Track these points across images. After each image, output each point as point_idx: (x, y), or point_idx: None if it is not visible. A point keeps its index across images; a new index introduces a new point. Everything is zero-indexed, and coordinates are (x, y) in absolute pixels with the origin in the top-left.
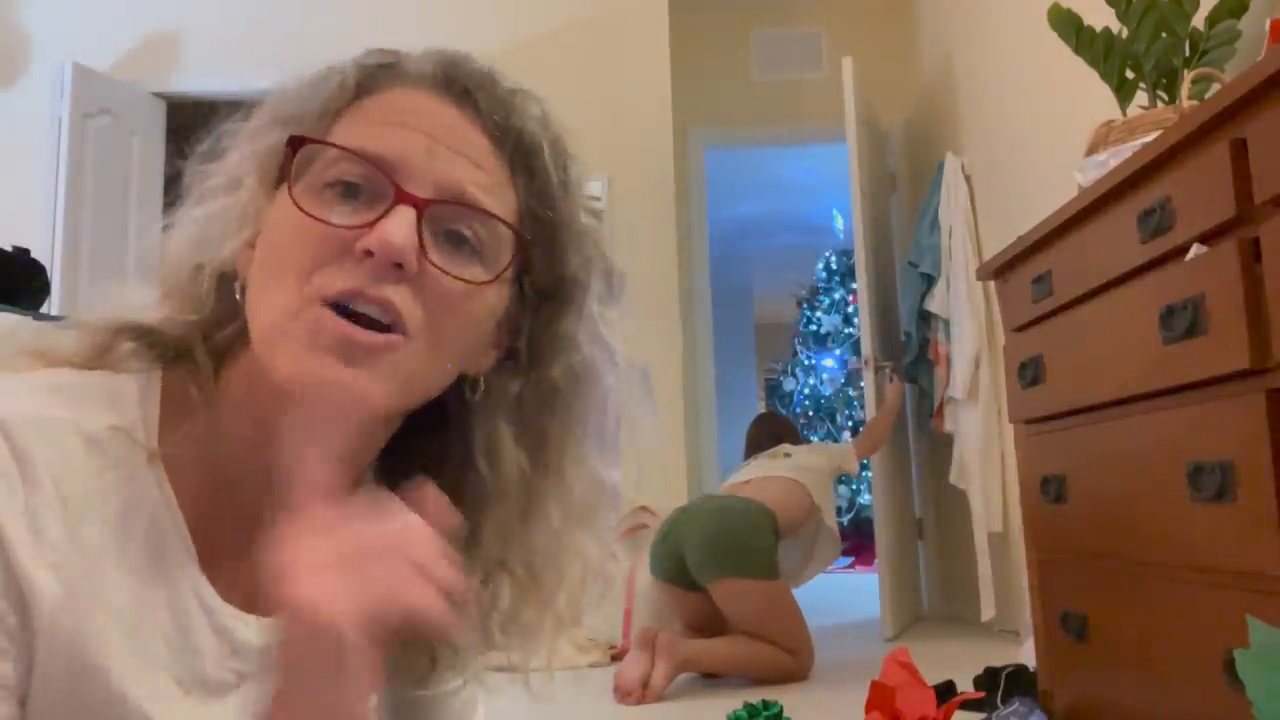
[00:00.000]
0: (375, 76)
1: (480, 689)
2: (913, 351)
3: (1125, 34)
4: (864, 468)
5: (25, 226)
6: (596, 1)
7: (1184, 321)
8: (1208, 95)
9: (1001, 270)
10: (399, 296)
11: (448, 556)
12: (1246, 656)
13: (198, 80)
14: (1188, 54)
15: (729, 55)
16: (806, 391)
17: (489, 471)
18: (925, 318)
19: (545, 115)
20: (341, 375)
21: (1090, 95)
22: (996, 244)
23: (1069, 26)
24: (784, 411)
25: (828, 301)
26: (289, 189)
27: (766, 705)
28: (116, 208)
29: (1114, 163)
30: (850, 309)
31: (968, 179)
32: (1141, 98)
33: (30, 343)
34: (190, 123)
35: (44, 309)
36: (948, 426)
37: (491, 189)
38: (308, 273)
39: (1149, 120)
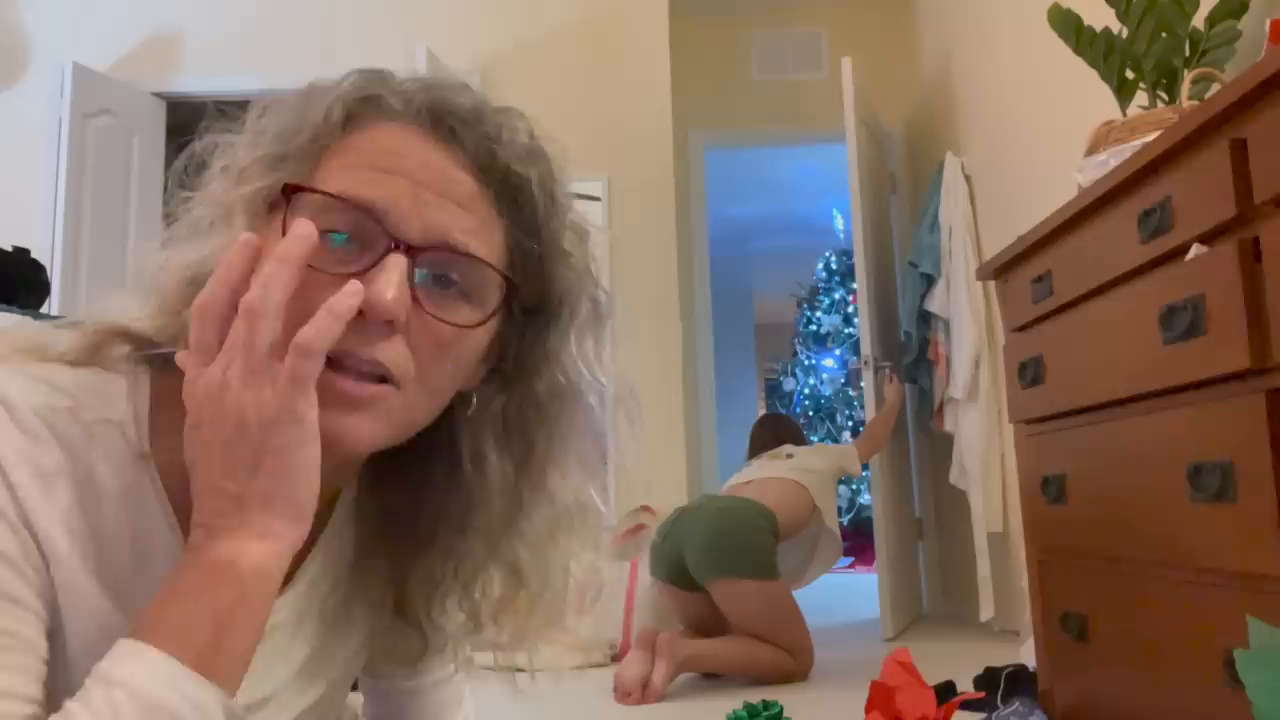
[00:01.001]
0: (361, 110)
1: (468, 684)
2: (913, 351)
3: (1125, 34)
4: (864, 468)
5: (25, 226)
6: (596, 2)
7: (1184, 321)
8: (1208, 95)
9: (1001, 270)
10: (388, 354)
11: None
12: (1246, 656)
13: (198, 80)
14: (1188, 54)
15: (729, 56)
16: (806, 392)
17: (475, 476)
18: (925, 318)
19: (531, 141)
20: (337, 423)
21: (1090, 95)
22: (996, 244)
23: (1069, 26)
24: (784, 412)
25: (828, 301)
26: (283, 234)
27: (766, 705)
28: (116, 208)
29: (1114, 163)
30: (850, 309)
31: (968, 179)
32: (1141, 98)
33: (22, 341)
34: (190, 123)
35: (44, 309)
36: (948, 426)
37: (478, 231)
38: (299, 325)
39: (1149, 120)
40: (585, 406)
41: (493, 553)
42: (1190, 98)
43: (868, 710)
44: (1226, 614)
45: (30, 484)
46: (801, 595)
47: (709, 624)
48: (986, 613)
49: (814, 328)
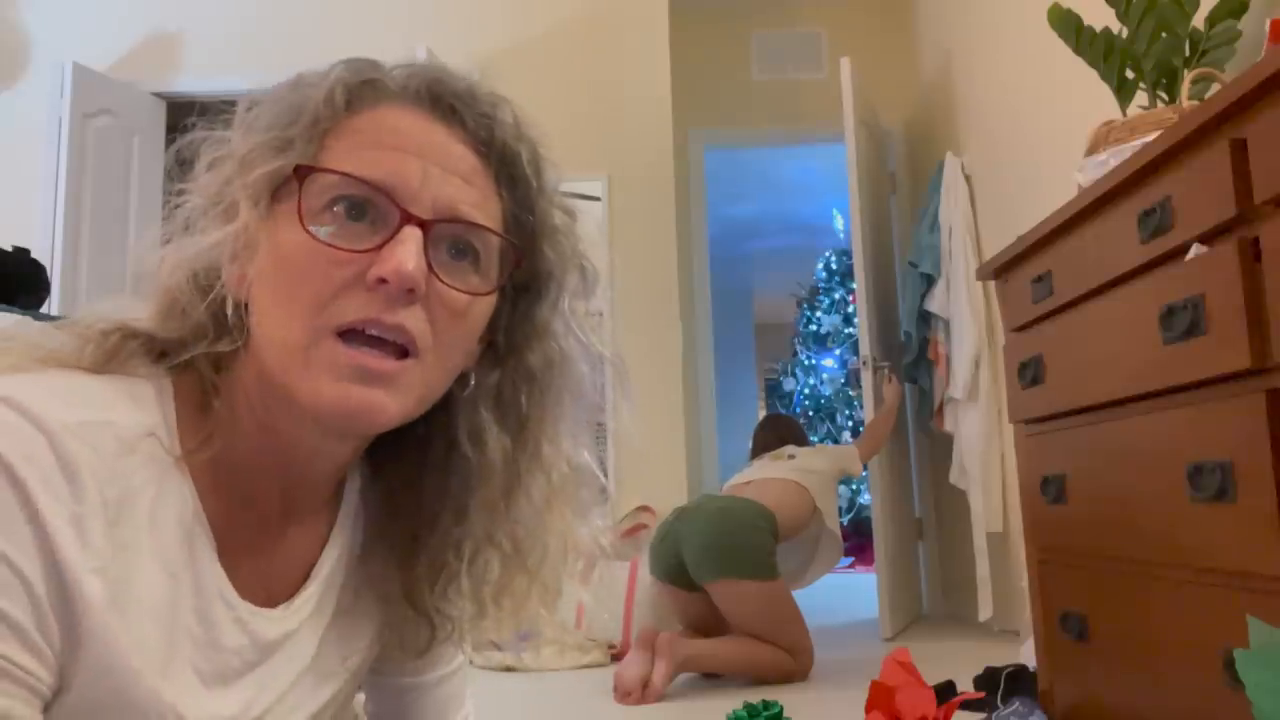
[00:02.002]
0: (362, 93)
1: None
2: (913, 351)
3: (1125, 34)
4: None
5: (25, 226)
6: (596, 2)
7: (1184, 321)
8: (1208, 95)
9: (1001, 270)
10: (411, 320)
11: None
12: (1246, 656)
13: (198, 80)
14: (1188, 54)
15: (729, 56)
16: (806, 392)
17: (474, 453)
18: (925, 318)
19: (519, 122)
20: (363, 398)
21: (1090, 95)
22: (996, 244)
23: (1069, 26)
24: (785, 412)
25: (828, 301)
26: (300, 216)
27: (766, 705)
28: (116, 208)
29: (1114, 163)
30: (850, 309)
31: (968, 179)
32: (1141, 98)
33: (35, 347)
34: (190, 123)
35: (44, 309)
36: (948, 426)
37: (482, 204)
38: (321, 302)
39: (1149, 120)
40: (577, 374)
41: (493, 528)
42: (1190, 98)
43: (868, 710)
44: (1226, 614)
45: (65, 530)
46: (801, 595)
47: (709, 624)
48: (986, 613)
49: (814, 328)
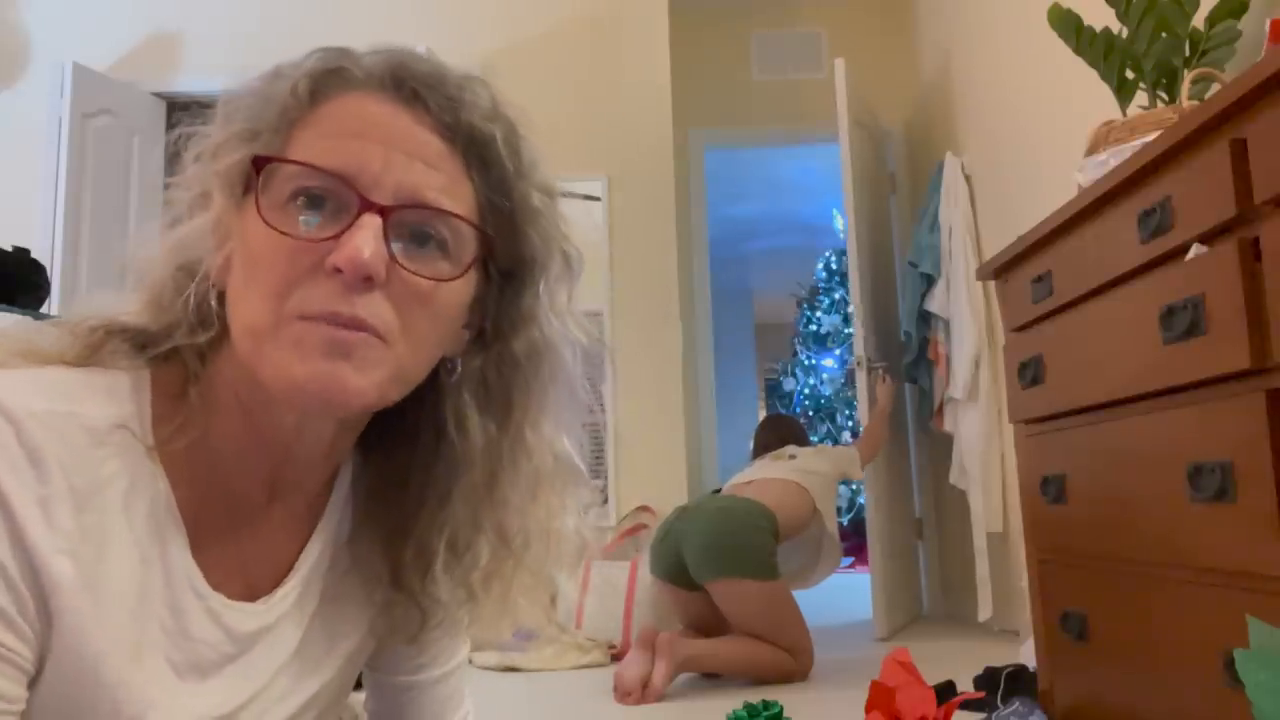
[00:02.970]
0: (326, 83)
1: (469, 684)
2: (913, 351)
3: (1125, 34)
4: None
5: (25, 226)
6: (596, 1)
7: (1184, 321)
8: (1208, 95)
9: (1001, 270)
10: (370, 310)
11: None
12: (1246, 656)
13: (198, 80)
14: (1188, 54)
15: (729, 56)
16: (806, 392)
17: (458, 439)
18: (925, 318)
19: (495, 102)
20: (330, 373)
21: (1090, 95)
22: (996, 244)
23: (1069, 26)
24: (784, 412)
25: (828, 301)
26: (257, 207)
27: (766, 705)
28: (116, 208)
29: (1114, 163)
30: (850, 309)
31: (968, 179)
32: (1141, 98)
33: (17, 344)
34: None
35: (44, 309)
36: (948, 426)
37: (448, 189)
38: (282, 291)
39: (1149, 120)
40: (561, 360)
41: (477, 514)
42: (1190, 98)
43: (868, 710)
44: (1226, 614)
45: (32, 512)
46: (801, 595)
47: (709, 623)
48: (986, 613)
49: (814, 328)
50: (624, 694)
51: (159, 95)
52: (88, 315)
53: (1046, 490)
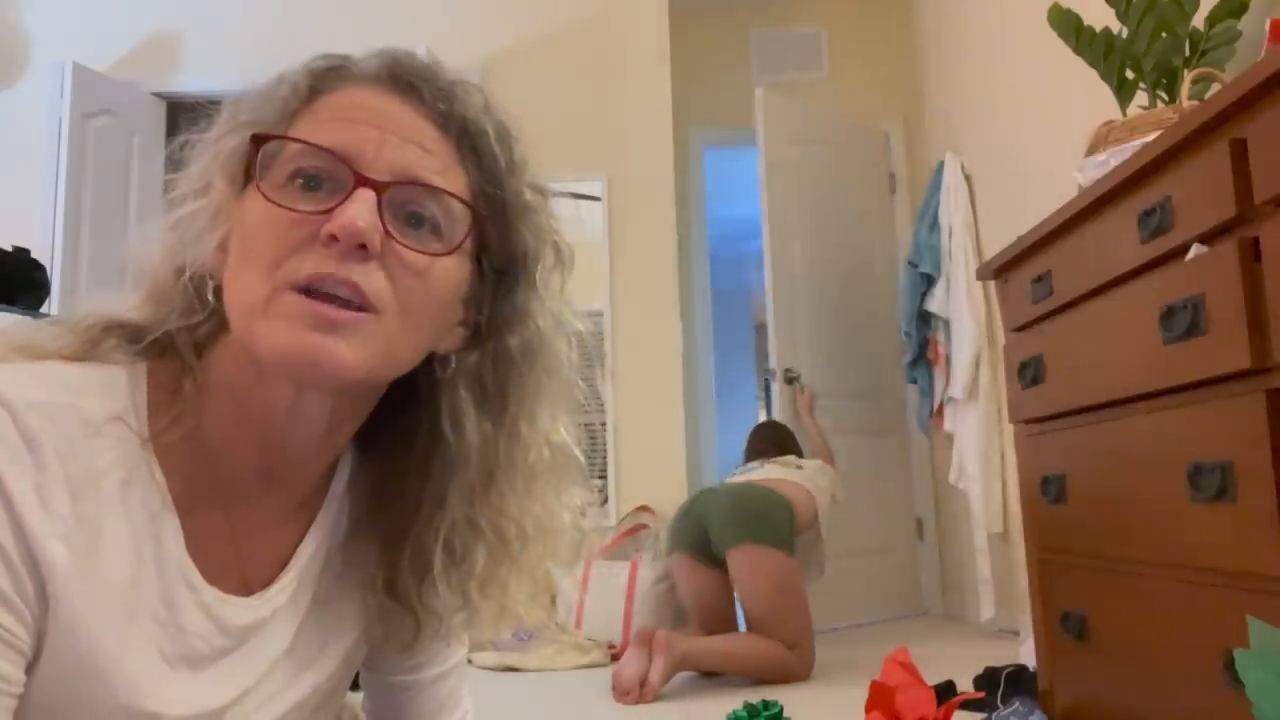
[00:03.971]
0: (326, 78)
1: (468, 684)
2: (912, 351)
3: (1125, 34)
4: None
5: (25, 226)
6: (596, 1)
7: (1184, 321)
8: (1208, 95)
9: (1001, 270)
10: (365, 277)
11: None
12: (1246, 656)
13: (198, 80)
14: (1188, 54)
15: (729, 56)
16: None
17: (454, 438)
18: (925, 318)
19: (487, 104)
20: (320, 342)
21: (1090, 95)
22: (996, 244)
23: (1069, 26)
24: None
25: None
26: (255, 182)
27: (766, 705)
28: (116, 208)
29: (1114, 163)
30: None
31: (968, 179)
32: (1141, 98)
33: (17, 339)
34: (190, 123)
35: (44, 309)
36: (948, 426)
37: (442, 171)
38: (277, 260)
39: (1149, 120)
40: (555, 354)
41: (473, 512)
42: (1190, 98)
43: (868, 710)
44: (1226, 614)
45: (29, 497)
46: None
47: (717, 606)
48: (986, 613)
49: None
50: (623, 693)
51: (159, 95)
52: (85, 314)
53: (1046, 490)
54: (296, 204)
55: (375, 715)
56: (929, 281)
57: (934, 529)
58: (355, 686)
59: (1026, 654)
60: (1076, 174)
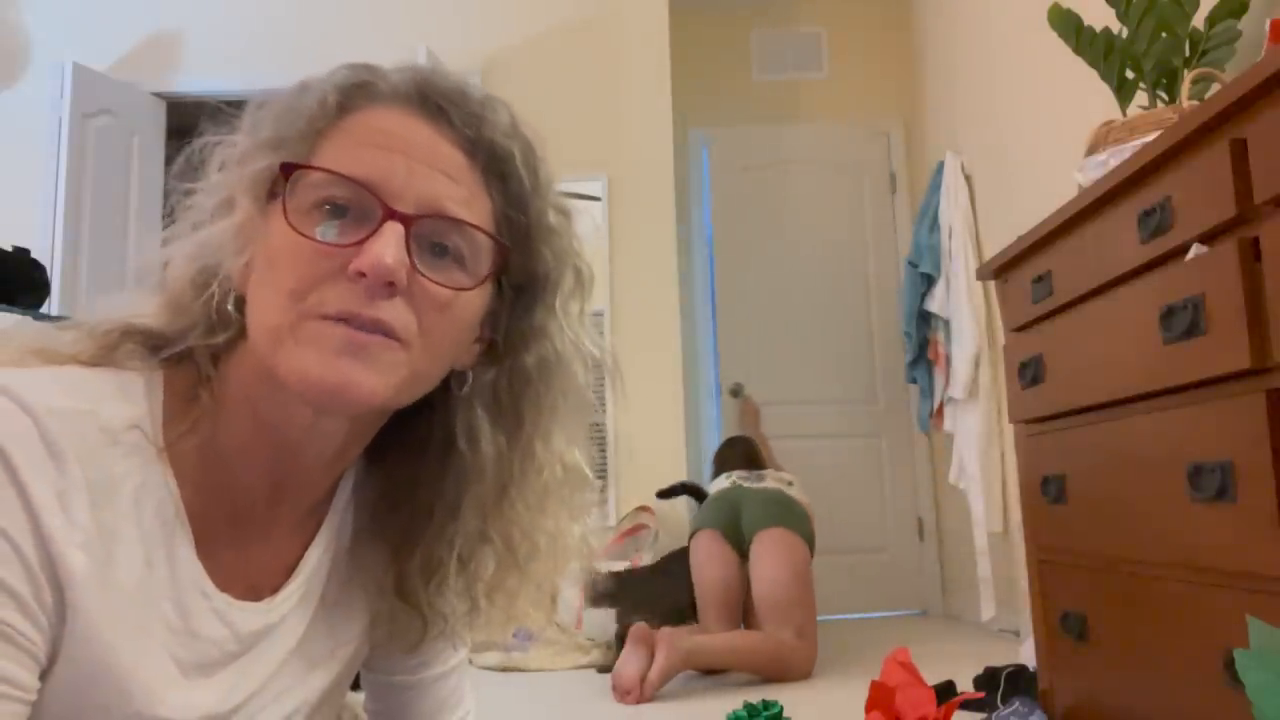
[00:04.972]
0: (353, 96)
1: (468, 683)
2: (913, 351)
3: (1125, 34)
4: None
5: (25, 226)
6: (596, 1)
7: (1184, 321)
8: (1208, 95)
9: (1001, 270)
10: (391, 313)
11: None
12: (1246, 656)
13: (198, 80)
14: (1188, 54)
15: (729, 55)
16: None
17: (469, 452)
18: (925, 318)
19: (513, 122)
20: (347, 371)
21: (1090, 95)
22: (996, 244)
23: (1069, 26)
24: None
25: None
26: (284, 212)
27: (766, 705)
28: (116, 208)
29: (1114, 163)
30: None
31: (968, 179)
32: (1141, 98)
33: (33, 343)
34: (190, 123)
35: (44, 309)
36: (948, 426)
37: (468, 201)
38: (303, 291)
39: (1149, 120)
40: (571, 375)
41: (485, 525)
42: (1190, 98)
43: (868, 710)
44: (1226, 614)
45: (51, 505)
46: None
47: (729, 592)
48: (987, 613)
49: None
50: (623, 693)
51: (159, 95)
52: (102, 319)
53: (1046, 490)
54: (324, 234)
55: (377, 715)
56: (929, 281)
57: (934, 529)
58: (355, 686)
59: (1026, 654)
60: (1076, 174)
